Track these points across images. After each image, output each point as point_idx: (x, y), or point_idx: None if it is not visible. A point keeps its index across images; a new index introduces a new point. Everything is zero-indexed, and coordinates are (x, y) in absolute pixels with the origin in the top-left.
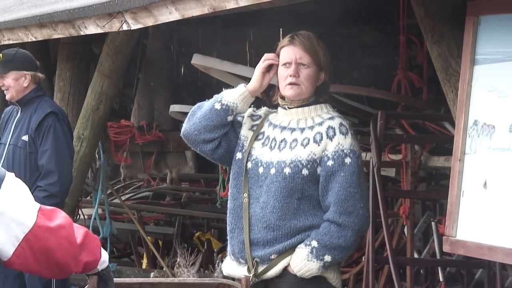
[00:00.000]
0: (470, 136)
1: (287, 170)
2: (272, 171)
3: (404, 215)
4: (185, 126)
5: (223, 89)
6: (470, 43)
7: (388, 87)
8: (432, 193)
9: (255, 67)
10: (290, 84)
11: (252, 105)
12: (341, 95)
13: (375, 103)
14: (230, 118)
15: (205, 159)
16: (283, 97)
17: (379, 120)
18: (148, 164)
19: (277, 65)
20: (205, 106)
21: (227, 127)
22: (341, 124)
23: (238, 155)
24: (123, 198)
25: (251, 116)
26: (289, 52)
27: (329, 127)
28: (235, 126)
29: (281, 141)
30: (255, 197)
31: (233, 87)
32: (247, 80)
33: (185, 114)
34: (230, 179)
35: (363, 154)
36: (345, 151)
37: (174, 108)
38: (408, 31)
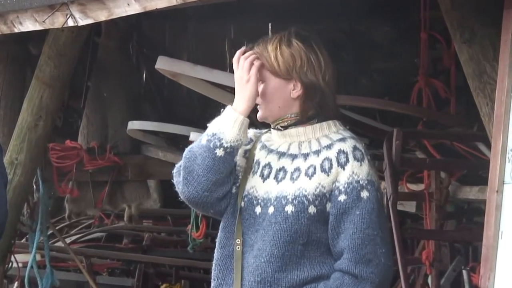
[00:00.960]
0: (511, 161)
1: (289, 208)
2: (270, 210)
3: (427, 261)
4: (187, 190)
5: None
6: (510, 42)
7: (406, 97)
8: (463, 233)
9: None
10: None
11: None
12: (346, 108)
13: (389, 118)
14: (236, 158)
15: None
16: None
17: (394, 140)
18: (101, 197)
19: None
20: (200, 155)
21: (234, 168)
22: (355, 148)
23: (233, 189)
24: (68, 240)
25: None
26: None
27: (340, 151)
28: None
29: (279, 169)
30: (249, 244)
31: (209, 100)
32: (228, 90)
33: (148, 133)
34: (222, 221)
35: None
36: (361, 182)
37: (134, 125)
38: (431, 27)
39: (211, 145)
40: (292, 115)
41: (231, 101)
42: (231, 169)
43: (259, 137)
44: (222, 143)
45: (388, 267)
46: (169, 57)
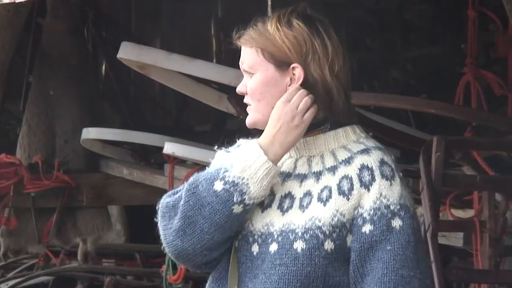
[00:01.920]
0: None
1: (299, 245)
2: (273, 247)
3: None
4: (180, 244)
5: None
6: None
7: (450, 95)
8: None
9: (227, 64)
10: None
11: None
12: (371, 110)
13: (427, 122)
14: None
15: (143, 219)
16: None
17: (434, 151)
18: (46, 229)
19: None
20: (210, 206)
21: None
22: (382, 162)
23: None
24: (3, 287)
25: None
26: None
27: (362, 167)
28: None
29: (284, 196)
30: None
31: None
32: (213, 86)
33: (108, 143)
34: None
35: None
36: (391, 207)
37: (90, 133)
38: (482, 3)
39: (229, 198)
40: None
41: (217, 101)
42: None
43: None
44: (244, 199)
45: None
46: (136, 44)
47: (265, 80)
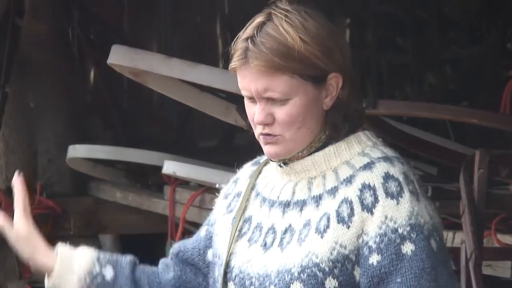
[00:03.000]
0: None
1: (297, 287)
2: None
3: None
4: None
5: None
6: None
7: (495, 102)
8: None
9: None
10: (263, 136)
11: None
12: (402, 120)
13: (468, 135)
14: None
15: (141, 250)
16: None
17: (477, 167)
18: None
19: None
20: None
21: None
22: (387, 177)
23: (216, 272)
24: None
25: (232, 184)
26: (244, 79)
27: (364, 186)
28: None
29: (285, 231)
30: None
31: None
32: (220, 95)
33: (98, 163)
34: None
35: (449, 236)
36: (400, 230)
37: (77, 151)
38: None
39: None
40: (322, 137)
41: (224, 112)
42: None
43: (256, 176)
44: None
45: None
46: (130, 47)
47: (306, 104)
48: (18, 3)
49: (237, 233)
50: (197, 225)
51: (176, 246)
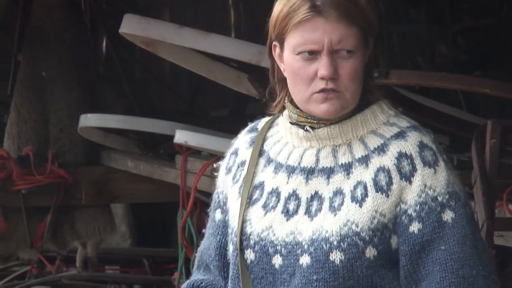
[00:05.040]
0: None
1: (337, 256)
2: (305, 260)
3: None
4: None
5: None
6: None
7: (508, 73)
8: None
9: (247, 39)
10: (324, 92)
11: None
12: (415, 90)
13: (481, 105)
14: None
15: (151, 219)
16: (297, 108)
17: (489, 137)
18: (40, 232)
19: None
20: None
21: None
22: (422, 146)
23: (230, 247)
24: None
25: (232, 156)
26: (315, 32)
27: (400, 155)
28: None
29: (311, 198)
30: None
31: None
32: (232, 64)
33: (110, 132)
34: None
35: None
36: (440, 198)
37: (89, 120)
38: None
39: None
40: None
41: (236, 81)
42: None
43: (261, 142)
44: None
45: None
46: (142, 16)
47: (363, 61)
48: None
49: (247, 200)
50: (208, 195)
51: (202, 259)
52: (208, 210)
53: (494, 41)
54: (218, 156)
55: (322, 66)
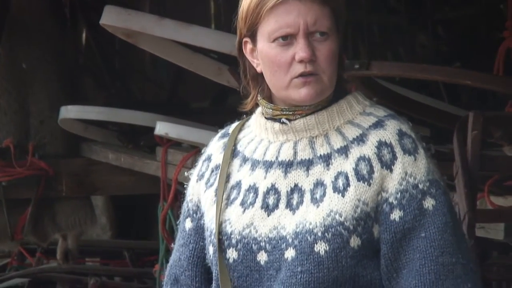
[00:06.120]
0: None
1: (321, 247)
2: (290, 253)
3: None
4: None
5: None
6: None
7: (488, 64)
8: None
9: (227, 30)
10: (303, 77)
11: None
12: (395, 82)
13: (462, 96)
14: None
15: (132, 211)
16: (270, 101)
17: (470, 129)
18: (20, 224)
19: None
20: None
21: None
22: (401, 134)
23: (210, 249)
24: None
25: (205, 163)
26: (290, 14)
27: (380, 144)
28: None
29: (291, 191)
30: None
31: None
32: (212, 55)
33: (91, 124)
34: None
35: None
36: (420, 186)
37: (69, 112)
38: None
39: None
40: (329, 96)
41: (216, 73)
42: None
43: (233, 142)
44: None
45: None
46: (122, 7)
47: (337, 45)
48: None
49: (224, 201)
50: None
51: (170, 273)
52: (178, 222)
53: (474, 31)
54: (198, 148)
55: (299, 49)
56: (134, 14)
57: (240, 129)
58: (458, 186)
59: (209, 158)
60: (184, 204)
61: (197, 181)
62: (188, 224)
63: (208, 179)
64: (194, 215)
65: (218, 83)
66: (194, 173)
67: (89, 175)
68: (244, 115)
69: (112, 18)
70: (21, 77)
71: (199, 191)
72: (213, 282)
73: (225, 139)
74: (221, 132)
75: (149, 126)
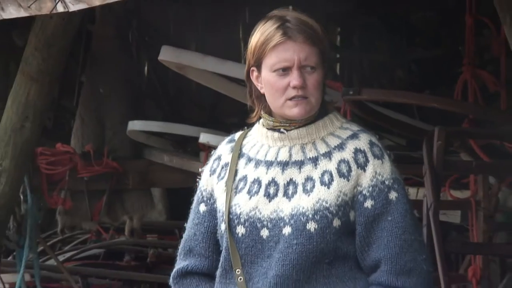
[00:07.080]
0: None
1: (312, 226)
2: (287, 230)
3: (474, 279)
4: None
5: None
6: None
7: (449, 91)
8: None
9: None
10: (295, 99)
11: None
12: (380, 104)
13: (430, 115)
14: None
15: (182, 200)
16: (270, 115)
17: (436, 140)
18: (97, 209)
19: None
20: None
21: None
22: (372, 144)
23: (222, 226)
24: (61, 258)
25: (216, 161)
26: (287, 52)
27: (356, 150)
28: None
29: (287, 184)
30: (262, 272)
31: (221, 96)
32: (242, 84)
33: (151, 134)
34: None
35: (414, 191)
36: (386, 182)
37: (135, 125)
38: (478, 11)
39: None
40: (316, 113)
41: (245, 97)
42: None
43: (238, 146)
44: None
45: (430, 274)
46: (175, 47)
47: (323, 77)
48: (90, 13)
49: (234, 190)
50: None
51: (185, 246)
52: (191, 207)
53: (440, 67)
54: None
55: (294, 78)
56: (184, 52)
57: (244, 136)
58: (426, 182)
59: (219, 158)
60: (198, 193)
61: (210, 175)
62: (202, 207)
63: (219, 174)
64: (208, 201)
65: (246, 104)
66: (206, 169)
67: (149, 172)
68: (246, 127)
69: (167, 55)
70: (99, 99)
71: (212, 182)
72: (223, 251)
73: (232, 144)
74: (228, 138)
75: (195, 136)
